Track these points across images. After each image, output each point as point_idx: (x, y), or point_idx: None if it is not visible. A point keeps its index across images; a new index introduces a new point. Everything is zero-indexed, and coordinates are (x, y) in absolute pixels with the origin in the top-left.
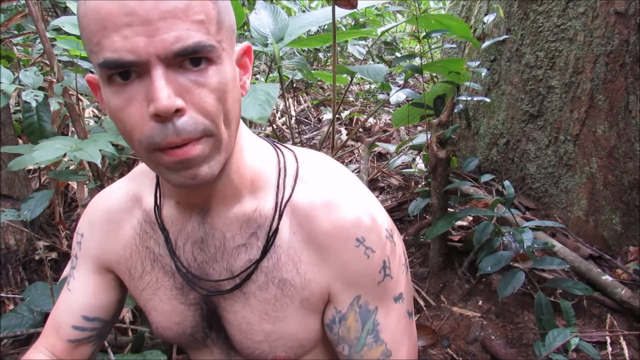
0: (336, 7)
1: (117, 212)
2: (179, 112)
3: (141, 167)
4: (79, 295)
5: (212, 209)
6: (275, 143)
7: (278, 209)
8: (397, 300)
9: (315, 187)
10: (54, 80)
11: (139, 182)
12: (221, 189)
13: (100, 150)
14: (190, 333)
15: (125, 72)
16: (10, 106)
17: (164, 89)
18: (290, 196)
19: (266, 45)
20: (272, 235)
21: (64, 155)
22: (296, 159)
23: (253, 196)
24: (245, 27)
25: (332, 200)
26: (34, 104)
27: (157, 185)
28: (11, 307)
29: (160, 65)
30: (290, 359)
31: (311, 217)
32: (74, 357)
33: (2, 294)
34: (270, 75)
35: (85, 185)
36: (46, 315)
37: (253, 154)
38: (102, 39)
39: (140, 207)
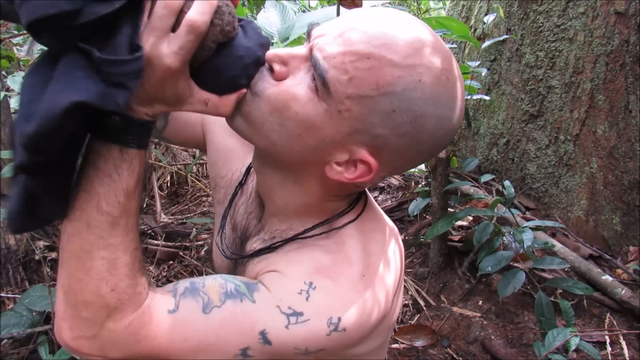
0: (341, 7)
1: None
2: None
3: None
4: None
5: (266, 207)
6: (365, 194)
7: (290, 240)
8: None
9: (335, 263)
10: None
11: None
12: (271, 205)
13: None
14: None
15: None
16: (11, 106)
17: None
18: (305, 237)
19: (271, 44)
20: (274, 248)
21: None
22: (354, 227)
23: (294, 224)
24: None
25: (325, 282)
26: None
27: None
28: (11, 306)
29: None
30: None
31: (298, 262)
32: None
33: (2, 294)
34: None
35: None
36: (45, 314)
37: (326, 202)
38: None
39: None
